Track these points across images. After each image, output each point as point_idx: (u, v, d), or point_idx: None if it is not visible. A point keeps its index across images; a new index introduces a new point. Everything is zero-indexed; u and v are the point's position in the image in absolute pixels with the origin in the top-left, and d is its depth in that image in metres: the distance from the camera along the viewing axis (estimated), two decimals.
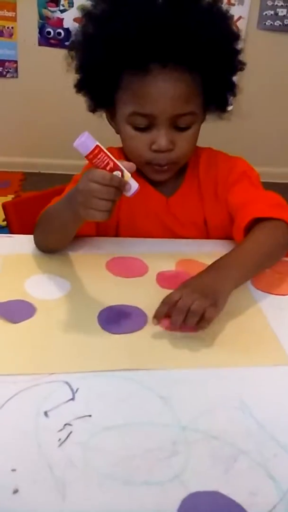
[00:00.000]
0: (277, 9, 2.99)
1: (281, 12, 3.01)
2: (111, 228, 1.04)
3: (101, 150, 0.67)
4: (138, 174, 1.00)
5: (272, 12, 2.98)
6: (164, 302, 0.72)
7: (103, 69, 0.87)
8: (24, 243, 0.94)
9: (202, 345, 0.71)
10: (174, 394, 0.62)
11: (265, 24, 3.02)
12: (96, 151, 0.67)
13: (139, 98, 0.87)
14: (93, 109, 0.97)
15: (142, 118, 0.88)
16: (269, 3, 2.98)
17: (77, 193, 0.73)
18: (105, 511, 0.48)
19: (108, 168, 0.68)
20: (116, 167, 0.69)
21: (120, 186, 0.69)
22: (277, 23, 3.01)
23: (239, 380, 0.65)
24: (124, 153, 1.00)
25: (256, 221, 0.90)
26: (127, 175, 0.69)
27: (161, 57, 0.84)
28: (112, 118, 0.97)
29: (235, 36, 0.92)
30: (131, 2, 0.85)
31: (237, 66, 0.93)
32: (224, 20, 0.90)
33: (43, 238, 0.92)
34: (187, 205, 1.04)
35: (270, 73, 3.09)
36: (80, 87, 0.94)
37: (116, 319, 0.75)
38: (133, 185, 0.70)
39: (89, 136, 0.66)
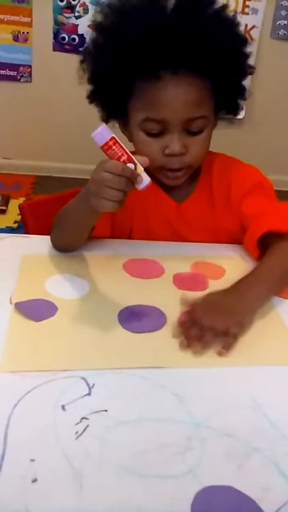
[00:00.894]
0: None
1: None
2: (125, 233, 1.05)
3: (116, 142, 0.70)
4: (151, 179, 1.01)
5: (285, 22, 3.00)
6: (188, 315, 0.75)
7: (115, 78, 0.89)
8: (41, 243, 0.96)
9: (218, 344, 0.72)
10: (188, 392, 0.63)
11: (278, 33, 3.04)
12: (111, 142, 0.70)
13: (151, 104, 0.89)
14: (105, 119, 0.98)
15: (154, 123, 0.90)
16: (283, 13, 2.99)
17: (90, 183, 0.74)
18: (120, 502, 0.49)
19: (121, 160, 0.70)
20: (130, 160, 0.71)
21: (132, 178, 0.71)
22: None
23: (252, 379, 0.67)
24: None
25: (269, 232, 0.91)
26: (140, 169, 0.72)
27: (172, 63, 0.85)
28: (124, 126, 0.98)
29: (243, 41, 0.93)
30: (140, 12, 0.87)
31: (247, 70, 0.95)
32: (232, 26, 0.91)
33: (60, 236, 0.94)
34: (199, 211, 1.05)
35: (283, 82, 3.11)
36: (92, 98, 0.96)
37: (136, 318, 0.77)
38: (145, 178, 0.72)
39: (106, 128, 0.69)
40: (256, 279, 0.84)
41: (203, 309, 0.76)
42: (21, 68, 3.19)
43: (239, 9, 2.92)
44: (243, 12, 2.93)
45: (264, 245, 0.93)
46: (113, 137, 0.70)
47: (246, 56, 0.94)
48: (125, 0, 0.88)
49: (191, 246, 1.01)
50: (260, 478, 0.53)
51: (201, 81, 0.88)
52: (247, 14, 2.97)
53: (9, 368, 0.65)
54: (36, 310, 0.77)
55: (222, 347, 0.72)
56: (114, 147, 0.70)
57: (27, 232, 1.16)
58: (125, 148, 0.71)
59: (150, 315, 0.78)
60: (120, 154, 0.71)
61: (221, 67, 0.88)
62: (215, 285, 0.85)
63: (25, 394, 0.60)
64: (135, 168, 0.71)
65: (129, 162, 0.71)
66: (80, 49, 3.09)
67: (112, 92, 0.92)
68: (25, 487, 0.50)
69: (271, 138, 3.25)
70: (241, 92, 0.97)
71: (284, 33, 3.04)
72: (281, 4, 2.98)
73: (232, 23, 0.91)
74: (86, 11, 3.05)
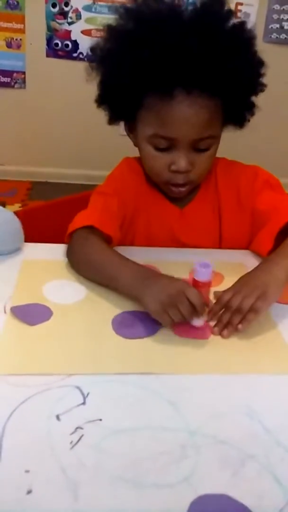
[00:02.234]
0: (283, 23, 3.03)
1: (287, 25, 3.05)
2: (127, 240, 1.05)
3: (210, 286, 0.77)
4: (153, 186, 1.03)
5: (277, 26, 3.02)
6: (217, 301, 0.79)
7: (128, 88, 0.88)
8: (35, 251, 0.97)
9: (213, 352, 0.73)
10: (183, 400, 0.63)
11: (270, 37, 3.06)
12: (207, 284, 0.77)
13: (162, 121, 0.89)
14: (113, 121, 0.98)
15: (163, 140, 0.90)
16: (275, 16, 3.01)
17: (163, 291, 0.74)
18: (115, 511, 0.49)
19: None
20: (206, 304, 0.75)
21: (199, 310, 0.73)
22: (283, 36, 3.05)
23: (247, 386, 0.67)
24: (142, 165, 1.02)
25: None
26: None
27: (187, 83, 0.85)
28: (131, 130, 0.98)
29: (260, 62, 0.92)
30: (159, 26, 0.85)
31: (259, 88, 0.95)
32: (249, 45, 0.90)
33: (79, 272, 0.90)
34: (201, 215, 1.05)
35: (275, 85, 3.12)
36: (100, 101, 0.95)
37: (129, 324, 0.77)
38: (202, 320, 0.75)
39: (211, 270, 0.76)
40: (283, 253, 0.86)
41: (230, 291, 0.78)
42: (14, 75, 3.19)
43: None
44: (235, 16, 2.95)
45: (277, 241, 0.94)
46: (210, 281, 0.76)
47: (261, 76, 0.93)
48: (143, 4, 0.87)
49: (191, 252, 1.02)
50: (255, 485, 0.53)
51: (213, 101, 0.88)
52: (239, 18, 2.98)
53: (2, 371, 0.65)
54: (31, 314, 0.78)
55: (239, 322, 0.74)
56: (206, 289, 0.76)
57: None
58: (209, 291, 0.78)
59: (144, 321, 0.78)
60: (205, 295, 0.76)
61: (235, 88, 0.89)
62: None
63: (19, 405, 0.60)
64: (206, 310, 0.75)
65: (205, 304, 0.75)
66: (74, 55, 3.10)
67: (123, 101, 0.92)
68: (20, 498, 0.50)
69: (264, 140, 3.26)
70: (251, 108, 0.97)
71: (277, 37, 3.06)
72: (273, 8, 3.00)
73: (249, 42, 0.90)
74: (79, 17, 3.06)
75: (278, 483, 0.53)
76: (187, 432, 0.58)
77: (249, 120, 0.99)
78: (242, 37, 0.89)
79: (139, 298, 0.78)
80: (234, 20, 0.88)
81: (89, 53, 0.93)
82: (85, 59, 3.11)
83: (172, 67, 0.83)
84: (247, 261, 1.00)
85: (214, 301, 0.80)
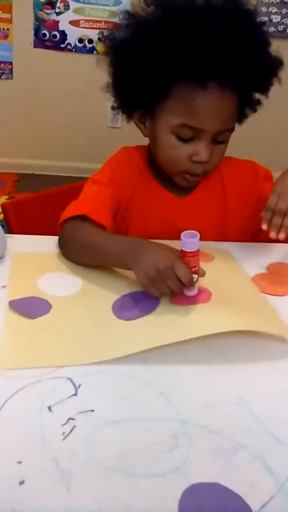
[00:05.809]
0: (271, 16, 3.04)
1: (275, 18, 3.05)
2: (121, 231, 1.04)
3: (199, 254, 0.75)
4: (150, 176, 1.03)
5: (266, 19, 3.02)
6: (266, 208, 0.87)
7: (156, 77, 0.88)
8: (25, 243, 0.96)
9: (215, 313, 0.74)
10: (174, 390, 0.63)
11: None
12: (196, 253, 0.74)
13: (192, 111, 0.89)
14: (125, 111, 0.98)
15: (189, 130, 0.91)
16: (264, 9, 3.02)
17: (151, 264, 0.74)
18: (108, 501, 0.49)
19: (192, 269, 0.74)
20: (196, 272, 0.75)
21: (188, 286, 0.74)
22: (271, 29, 3.05)
23: (237, 377, 0.67)
24: (148, 154, 1.02)
25: None
26: (196, 278, 0.75)
27: (219, 74, 0.86)
28: (142, 119, 0.98)
29: (281, 62, 0.94)
30: (193, 16, 0.86)
31: (269, 86, 0.97)
32: (268, 45, 0.93)
33: (79, 260, 0.90)
34: (204, 205, 1.06)
35: None
36: (115, 89, 0.95)
37: (130, 306, 0.77)
38: (196, 289, 0.76)
39: (198, 239, 0.74)
40: None
41: (275, 194, 0.86)
42: (2, 65, 3.17)
43: None
44: None
45: None
46: (198, 250, 0.75)
47: (276, 75, 0.95)
48: None
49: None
50: (246, 474, 0.53)
51: (236, 96, 0.91)
52: None
53: (7, 365, 0.65)
54: (30, 307, 0.77)
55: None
56: (195, 258, 0.74)
57: (10, 231, 1.15)
58: (199, 260, 0.75)
59: (143, 299, 0.78)
60: (194, 265, 0.75)
61: (256, 84, 0.93)
62: (205, 267, 0.85)
63: (10, 396, 0.60)
64: (197, 279, 0.75)
65: (195, 273, 0.75)
66: (62, 45, 3.08)
67: (145, 91, 0.91)
68: (13, 489, 0.50)
69: (255, 133, 3.27)
70: (258, 105, 1.00)
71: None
72: (261, 1, 3.00)
73: (268, 42, 0.93)
74: (67, 7, 3.03)
75: (269, 471, 0.54)
76: (179, 422, 0.59)
77: (246, 117, 1.01)
78: (266, 35, 0.93)
79: (129, 267, 0.78)
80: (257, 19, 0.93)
81: (98, 41, 0.95)
82: (74, 49, 3.09)
83: (207, 57, 0.84)
84: (235, 252, 1.00)
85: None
